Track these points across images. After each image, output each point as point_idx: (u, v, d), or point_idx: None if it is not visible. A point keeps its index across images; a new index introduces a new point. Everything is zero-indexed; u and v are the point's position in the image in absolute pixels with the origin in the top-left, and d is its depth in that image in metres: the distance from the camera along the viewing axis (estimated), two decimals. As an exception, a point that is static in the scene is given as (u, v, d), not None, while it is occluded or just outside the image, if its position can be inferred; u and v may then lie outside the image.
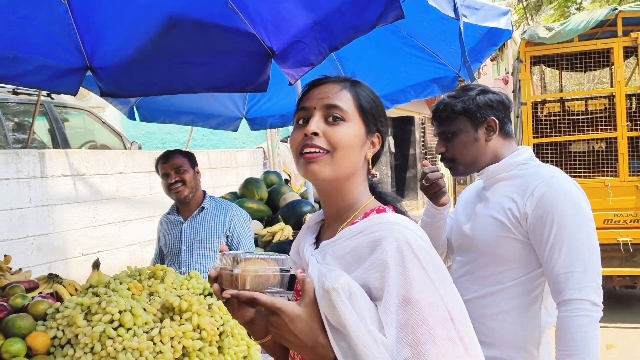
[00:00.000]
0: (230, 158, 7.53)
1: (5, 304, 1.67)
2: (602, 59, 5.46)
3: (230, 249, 2.71)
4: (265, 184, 3.78)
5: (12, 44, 2.65)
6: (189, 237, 2.85)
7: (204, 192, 3.03)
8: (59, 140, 6.48)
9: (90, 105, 8.38)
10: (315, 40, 2.15)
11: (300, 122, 1.20)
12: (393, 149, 12.70)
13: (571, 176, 5.99)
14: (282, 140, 7.64)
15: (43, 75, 2.77)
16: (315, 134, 1.14)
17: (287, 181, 5.09)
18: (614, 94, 5.40)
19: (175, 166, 2.87)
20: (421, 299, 1.00)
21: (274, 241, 3.13)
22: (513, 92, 6.57)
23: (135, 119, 3.94)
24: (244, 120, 4.84)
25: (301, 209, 3.31)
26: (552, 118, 5.96)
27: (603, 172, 5.34)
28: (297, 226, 3.22)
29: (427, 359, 0.97)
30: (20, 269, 2.31)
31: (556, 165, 5.66)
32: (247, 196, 3.67)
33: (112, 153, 5.86)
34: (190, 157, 2.98)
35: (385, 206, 1.19)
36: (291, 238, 3.17)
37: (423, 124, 14.11)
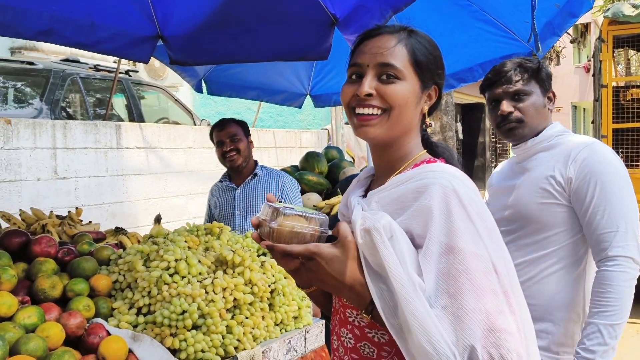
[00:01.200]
0: (295, 138, 7.60)
1: (73, 248, 1.77)
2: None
3: None
4: (326, 158, 3.79)
5: (90, 11, 2.79)
6: (243, 202, 2.91)
7: (255, 161, 3.09)
8: (135, 116, 6.80)
9: (165, 84, 8.73)
10: (377, 3, 2.11)
11: (353, 77, 1.18)
12: (461, 136, 12.35)
13: (652, 165, 5.45)
14: (346, 123, 7.62)
15: (118, 42, 2.90)
16: (369, 94, 1.12)
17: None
18: None
19: (229, 134, 2.93)
20: (465, 248, 0.96)
21: (331, 213, 3.13)
22: (593, 75, 6.18)
23: (202, 92, 4.05)
24: (308, 97, 4.85)
25: (360, 183, 3.28)
26: (635, 103, 5.56)
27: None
28: (355, 200, 3.20)
29: (465, 308, 0.93)
30: (90, 222, 2.45)
31: (638, 152, 5.30)
32: (308, 169, 3.69)
33: (182, 128, 6.07)
34: (244, 126, 3.04)
35: (437, 158, 1.18)
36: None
37: (495, 111, 13.62)
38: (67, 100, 6.08)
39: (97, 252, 1.76)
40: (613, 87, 5.27)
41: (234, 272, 1.74)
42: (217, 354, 1.56)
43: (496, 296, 0.95)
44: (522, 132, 1.91)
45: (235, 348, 1.61)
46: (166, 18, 2.88)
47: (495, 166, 13.95)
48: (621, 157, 5.29)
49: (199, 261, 1.70)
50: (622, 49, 5.91)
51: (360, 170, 3.30)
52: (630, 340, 5.04)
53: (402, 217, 1.03)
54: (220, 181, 3.11)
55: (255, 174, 2.96)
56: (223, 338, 1.59)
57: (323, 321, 2.12)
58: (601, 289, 1.64)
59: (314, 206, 3.34)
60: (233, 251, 1.76)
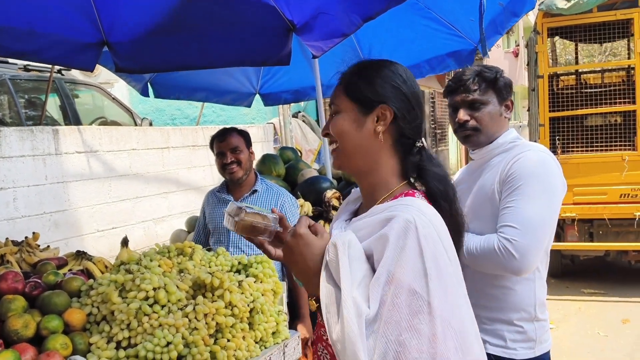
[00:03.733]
0: (241, 134, 7.50)
1: (39, 280, 1.67)
2: (622, 29, 5.34)
3: None
4: (282, 159, 3.77)
5: (29, 18, 2.61)
6: None
7: (256, 174, 2.95)
8: (70, 117, 6.48)
9: (99, 81, 8.34)
10: (344, 11, 2.10)
11: None
12: (402, 124, 12.59)
13: (587, 150, 5.93)
14: (293, 116, 7.59)
15: (60, 50, 2.74)
16: (327, 134, 1.27)
17: (299, 157, 5.07)
18: (632, 65, 5.30)
19: (231, 146, 2.80)
20: (404, 282, 1.01)
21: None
22: (527, 64, 6.47)
23: (149, 96, 3.92)
24: (257, 95, 4.80)
25: (320, 185, 3.29)
26: (567, 92, 5.87)
27: (620, 146, 5.28)
28: (316, 202, 3.21)
29: (387, 337, 0.99)
30: (48, 246, 2.32)
31: (572, 139, 5.64)
32: (265, 172, 3.65)
33: (125, 129, 5.84)
34: (245, 137, 2.90)
35: (416, 190, 1.21)
36: (310, 214, 3.16)
37: (433, 98, 13.97)
38: (-3, 104, 5.70)
39: (66, 284, 1.67)
40: (548, 76, 5.54)
41: (213, 295, 1.71)
42: (202, 381, 1.53)
43: (419, 336, 0.98)
44: (478, 140, 1.98)
45: (220, 372, 1.59)
46: (112, 23, 2.75)
47: (436, 151, 14.33)
48: (558, 143, 5.63)
49: (177, 287, 1.66)
50: (551, 38, 6.21)
51: (325, 186, 3.31)
52: (573, 317, 5.39)
53: (367, 241, 1.10)
54: (218, 191, 2.95)
55: (255, 190, 2.85)
56: (207, 364, 1.57)
57: (299, 333, 2.12)
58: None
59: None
60: (211, 274, 1.73)
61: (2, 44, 2.59)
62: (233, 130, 2.90)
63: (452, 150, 16.06)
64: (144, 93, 3.85)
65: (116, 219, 5.61)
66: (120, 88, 9.36)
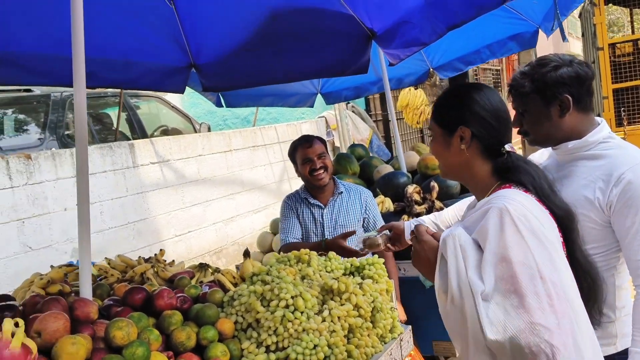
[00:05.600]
0: (296, 130, 7.67)
1: (184, 294, 1.87)
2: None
3: (367, 230, 2.85)
4: (354, 157, 3.89)
5: (125, 50, 2.82)
6: (331, 221, 2.92)
7: (333, 177, 3.06)
8: (136, 128, 6.79)
9: (146, 90, 8.65)
10: (427, 20, 2.18)
11: None
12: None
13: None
14: (352, 109, 7.68)
15: (153, 77, 2.94)
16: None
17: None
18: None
19: (318, 152, 2.88)
20: (514, 258, 1.21)
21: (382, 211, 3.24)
22: (583, 35, 6.33)
23: (222, 106, 4.11)
24: (318, 95, 4.93)
25: (398, 181, 3.40)
26: (625, 60, 5.73)
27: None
28: (395, 198, 3.32)
29: (513, 305, 1.19)
30: (173, 261, 2.54)
31: (634, 109, 5.49)
32: (341, 172, 3.78)
33: (191, 137, 6.09)
34: (325, 143, 3.01)
35: (510, 184, 1.40)
36: (391, 209, 3.28)
37: (477, 74, 13.75)
38: (68, 124, 6.04)
39: (210, 296, 1.86)
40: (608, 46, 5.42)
41: (340, 299, 1.86)
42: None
43: (538, 297, 1.18)
44: (537, 142, 1.94)
45: (355, 369, 1.75)
46: (199, 47, 2.93)
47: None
48: (624, 115, 5.51)
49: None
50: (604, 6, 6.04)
51: (402, 181, 3.41)
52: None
53: (474, 233, 1.34)
54: (304, 197, 3.01)
55: (341, 192, 2.96)
56: (347, 364, 1.73)
57: (409, 327, 2.26)
58: (635, 313, 1.69)
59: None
60: (336, 279, 1.88)
61: (101, 75, 2.80)
62: (315, 137, 2.99)
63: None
64: (218, 104, 4.04)
65: (190, 223, 5.89)
66: (173, 95, 9.66)
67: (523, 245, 1.22)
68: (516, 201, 1.29)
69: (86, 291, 1.68)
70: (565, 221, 1.38)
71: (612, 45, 5.54)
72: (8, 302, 1.59)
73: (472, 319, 1.23)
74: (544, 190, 1.39)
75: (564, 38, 2.73)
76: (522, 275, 1.19)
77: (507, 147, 1.44)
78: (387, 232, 2.15)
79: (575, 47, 17.38)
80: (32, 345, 1.27)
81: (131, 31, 2.76)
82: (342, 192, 2.97)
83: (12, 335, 1.22)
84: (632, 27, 6.55)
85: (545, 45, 6.10)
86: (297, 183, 7.33)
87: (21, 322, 1.24)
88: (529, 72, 1.87)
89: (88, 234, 1.73)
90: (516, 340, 1.16)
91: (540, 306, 1.17)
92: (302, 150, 2.93)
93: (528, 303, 1.17)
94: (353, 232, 2.62)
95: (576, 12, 10.07)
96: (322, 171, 2.88)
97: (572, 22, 13.16)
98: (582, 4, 6.08)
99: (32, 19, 2.51)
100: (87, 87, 2.77)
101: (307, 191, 3.03)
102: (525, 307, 1.17)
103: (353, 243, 2.89)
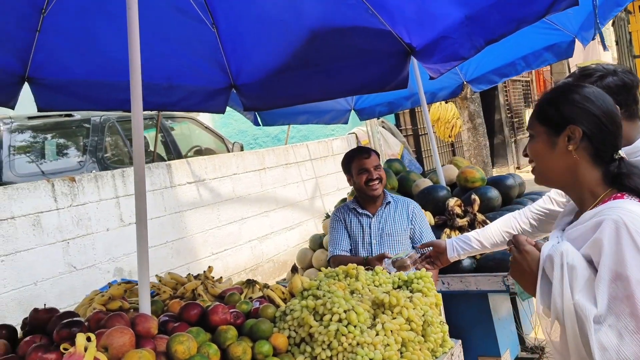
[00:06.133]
0: (327, 147, 7.73)
1: (237, 310, 1.90)
2: None
3: (413, 240, 2.87)
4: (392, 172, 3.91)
5: (168, 74, 2.92)
6: (378, 230, 2.95)
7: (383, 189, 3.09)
8: (171, 149, 6.94)
9: (188, 112, 8.85)
10: (467, 35, 2.21)
11: None
12: (479, 117, 12.39)
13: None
14: (382, 125, 7.71)
15: (195, 99, 3.03)
16: (525, 155, 1.45)
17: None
18: None
19: (375, 163, 2.93)
20: (631, 276, 1.12)
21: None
22: (617, 44, 6.24)
23: (259, 125, 4.17)
24: (352, 111, 4.97)
25: (437, 194, 3.40)
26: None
27: None
28: (436, 211, 3.32)
29: (627, 328, 1.10)
30: (221, 277, 2.59)
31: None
32: (379, 187, 3.80)
33: (225, 157, 6.20)
34: (379, 156, 3.06)
35: (625, 193, 1.28)
36: (433, 223, 3.27)
37: (506, 87, 13.65)
38: (107, 147, 6.22)
39: (262, 311, 1.89)
40: None
41: (392, 312, 1.87)
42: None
43: None
44: None
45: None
46: (239, 68, 3.01)
47: (515, 141, 13.89)
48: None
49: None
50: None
51: (442, 195, 3.41)
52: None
53: (584, 247, 1.22)
54: (353, 208, 3.06)
55: (389, 202, 3.00)
56: (399, 376, 1.72)
57: (459, 341, 2.23)
58: None
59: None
60: (387, 293, 1.89)
61: (147, 99, 2.89)
62: (370, 149, 3.03)
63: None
64: (255, 123, 4.11)
65: (226, 241, 5.96)
66: (205, 116, 9.85)
67: None
68: (634, 213, 1.18)
69: (145, 307, 1.73)
70: None
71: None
72: (74, 319, 1.64)
73: (576, 342, 1.15)
74: None
75: (604, 47, 2.71)
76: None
77: (622, 152, 1.32)
78: (416, 251, 2.29)
79: (605, 56, 17.12)
80: (103, 359, 1.32)
81: (174, 55, 2.86)
82: (390, 202, 3.01)
83: (85, 349, 1.27)
84: (668, 33, 6.44)
85: (578, 56, 6.03)
86: (330, 200, 7.34)
87: (93, 336, 1.28)
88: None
89: (146, 251, 1.79)
90: None
91: None
92: (359, 161, 2.97)
93: None
94: (384, 256, 2.68)
95: (609, 21, 9.95)
96: (377, 182, 2.93)
97: (603, 31, 12.97)
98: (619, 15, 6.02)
99: (79, 48, 2.63)
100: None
101: (357, 202, 3.08)
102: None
103: (397, 252, 2.91)
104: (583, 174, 1.33)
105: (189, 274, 2.40)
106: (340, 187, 7.69)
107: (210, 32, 2.79)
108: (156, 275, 2.49)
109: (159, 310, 2.00)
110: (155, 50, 2.82)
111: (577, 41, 3.93)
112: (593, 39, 3.34)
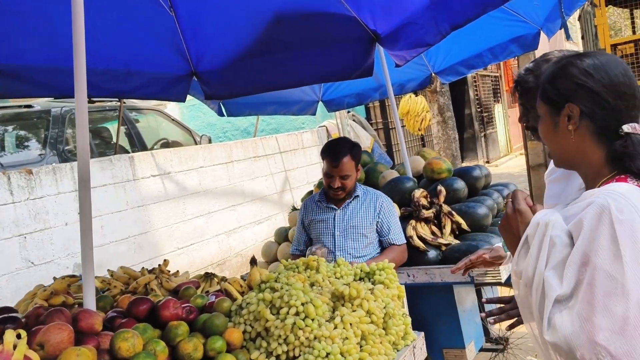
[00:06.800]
0: (297, 140, 7.64)
1: (190, 305, 1.81)
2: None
3: (380, 234, 2.83)
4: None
5: (125, 59, 2.79)
6: (343, 223, 2.89)
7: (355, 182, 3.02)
8: (136, 142, 6.76)
9: (153, 104, 8.65)
10: (432, 20, 2.16)
11: None
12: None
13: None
14: (353, 118, 7.66)
15: (155, 86, 2.91)
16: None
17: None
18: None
19: (342, 173, 2.83)
20: (599, 265, 1.06)
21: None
22: (583, 38, 6.32)
23: (224, 115, 4.06)
24: (321, 104, 4.90)
25: (404, 186, 3.35)
26: (627, 60, 5.72)
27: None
28: (402, 203, 3.27)
29: (581, 315, 1.07)
30: (177, 271, 2.48)
31: None
32: (346, 178, 3.73)
33: (192, 149, 6.06)
34: (356, 157, 2.91)
35: (627, 175, 1.20)
36: (399, 214, 3.22)
37: (475, 81, 13.78)
38: (68, 139, 6.01)
39: (217, 305, 1.81)
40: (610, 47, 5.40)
41: (352, 305, 1.81)
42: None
43: (612, 317, 1.03)
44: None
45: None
46: (200, 54, 2.90)
47: (484, 135, 14.04)
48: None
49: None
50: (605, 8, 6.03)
51: (409, 186, 3.36)
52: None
53: (570, 224, 1.17)
54: (319, 200, 3.01)
55: (357, 195, 2.94)
56: (359, 371, 1.66)
57: (422, 333, 2.19)
58: None
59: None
60: (347, 285, 1.82)
61: (103, 86, 2.77)
62: (346, 150, 2.85)
63: (501, 133, 15.79)
64: (220, 113, 4.00)
65: (192, 236, 5.83)
66: (173, 108, 9.65)
67: (615, 253, 1.05)
68: (625, 200, 1.10)
69: (90, 302, 1.62)
70: None
71: (614, 47, 5.53)
72: (10, 314, 1.53)
73: (538, 309, 1.15)
74: None
75: (568, 36, 2.71)
76: (601, 286, 1.05)
77: (628, 127, 1.20)
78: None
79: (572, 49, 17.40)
80: (35, 357, 1.22)
81: (132, 41, 2.73)
82: (358, 196, 2.95)
83: (14, 347, 1.17)
84: (633, 27, 6.54)
85: (544, 49, 6.07)
86: (299, 193, 7.27)
87: (23, 333, 1.18)
88: (533, 68, 1.88)
89: (91, 244, 1.68)
90: (573, 353, 1.06)
91: (611, 327, 1.03)
92: (329, 166, 2.88)
93: (597, 319, 1.04)
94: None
95: (575, 15, 10.10)
96: (338, 192, 2.87)
97: (569, 26, 13.25)
98: (582, 7, 6.08)
99: (35, 31, 2.49)
100: (89, 98, 2.75)
101: (323, 194, 3.04)
102: (592, 323, 1.04)
103: (361, 245, 2.87)
104: (589, 152, 1.24)
105: (143, 267, 2.30)
106: (311, 181, 7.62)
107: (169, 16, 2.67)
108: (108, 270, 2.38)
109: (107, 306, 1.90)
110: (113, 35, 2.69)
111: (542, 34, 3.95)
112: (560, 28, 3.34)
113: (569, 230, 1.16)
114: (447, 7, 2.07)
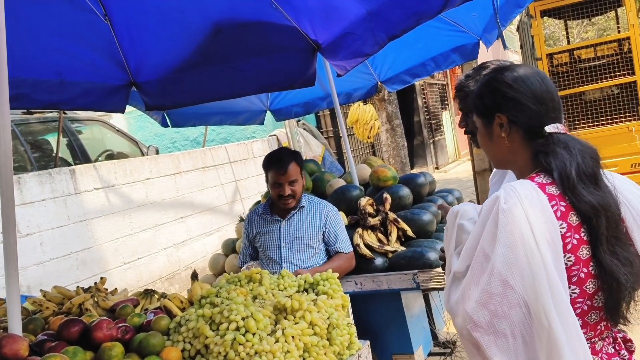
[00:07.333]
0: (247, 150, 7.58)
1: (126, 324, 1.74)
2: (611, 2, 5.46)
3: (328, 244, 2.81)
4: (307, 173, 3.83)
5: (59, 69, 2.68)
6: (289, 234, 2.86)
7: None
8: (79, 154, 6.51)
9: (98, 114, 8.38)
10: (370, 31, 2.18)
11: None
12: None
13: (593, 125, 5.97)
14: (303, 126, 7.66)
15: (91, 97, 2.81)
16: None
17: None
18: (627, 37, 5.42)
19: (290, 179, 2.80)
20: (480, 246, 1.24)
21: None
22: (521, 48, 6.57)
23: (168, 126, 3.97)
24: (268, 112, 4.87)
25: (351, 194, 3.36)
26: (561, 69, 5.98)
27: (625, 117, 5.39)
28: (349, 211, 3.28)
29: (464, 287, 1.26)
30: (115, 289, 2.38)
31: (574, 116, 5.72)
32: (293, 188, 3.71)
33: (137, 160, 5.90)
34: (300, 162, 2.90)
35: (543, 175, 1.30)
36: (346, 222, 3.23)
37: (424, 89, 14.08)
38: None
39: (155, 324, 1.74)
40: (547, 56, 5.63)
41: (294, 317, 1.78)
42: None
43: (480, 291, 1.21)
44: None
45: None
46: (139, 64, 2.83)
47: (433, 142, 14.36)
48: (565, 122, 5.72)
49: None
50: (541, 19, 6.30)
51: (356, 194, 3.35)
52: None
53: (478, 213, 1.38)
54: (262, 213, 2.98)
55: (302, 206, 2.91)
56: (301, 384, 1.64)
57: (367, 342, 2.19)
58: None
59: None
60: (289, 297, 1.80)
61: (35, 97, 2.65)
62: (290, 157, 2.85)
63: (449, 139, 16.19)
64: (164, 124, 3.91)
65: (140, 250, 5.66)
66: (119, 119, 9.39)
67: (493, 237, 1.21)
68: (514, 192, 1.22)
69: (15, 326, 1.53)
70: (589, 218, 1.22)
71: (550, 56, 5.78)
72: None
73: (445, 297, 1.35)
74: (570, 181, 1.24)
75: (504, 46, 2.80)
76: (478, 264, 1.22)
77: (551, 128, 1.29)
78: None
79: (513, 60, 18.14)
80: (-53, 392, 1.13)
81: (65, 50, 2.63)
82: (303, 207, 2.92)
83: None
84: (567, 38, 6.87)
85: (486, 58, 6.24)
86: (250, 203, 7.20)
87: None
88: (472, 75, 2.00)
89: (15, 263, 1.59)
90: (454, 320, 1.26)
91: (477, 299, 1.20)
92: (274, 174, 2.83)
93: (470, 292, 1.22)
94: None
95: (514, 26, 10.50)
96: (290, 199, 2.84)
97: (510, 36, 13.80)
98: (519, 18, 6.33)
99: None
100: (19, 109, 2.62)
101: (269, 205, 3.00)
102: (466, 294, 1.23)
103: (308, 256, 2.85)
104: (519, 154, 1.37)
105: (78, 287, 2.20)
106: (262, 190, 7.56)
107: (104, 25, 2.59)
108: (41, 290, 2.26)
109: (37, 329, 1.80)
110: (44, 45, 2.58)
111: (482, 44, 4.07)
112: (497, 38, 3.45)
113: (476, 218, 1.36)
114: (383, 18, 2.10)
